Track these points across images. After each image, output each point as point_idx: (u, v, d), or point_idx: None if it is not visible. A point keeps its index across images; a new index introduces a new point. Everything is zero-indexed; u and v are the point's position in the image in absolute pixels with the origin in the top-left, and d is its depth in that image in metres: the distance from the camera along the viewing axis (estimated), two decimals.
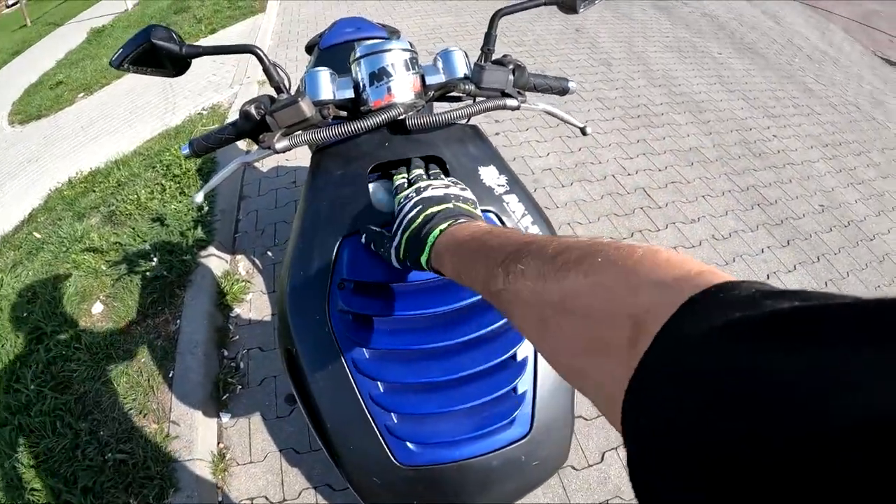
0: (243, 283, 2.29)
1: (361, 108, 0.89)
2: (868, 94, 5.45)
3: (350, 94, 0.90)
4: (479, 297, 0.74)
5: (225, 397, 1.87)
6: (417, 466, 0.70)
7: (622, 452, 1.73)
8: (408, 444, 0.70)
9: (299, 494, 1.63)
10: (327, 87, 0.90)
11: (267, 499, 1.62)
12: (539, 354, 0.74)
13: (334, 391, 0.72)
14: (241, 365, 1.98)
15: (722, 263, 2.56)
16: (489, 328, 0.74)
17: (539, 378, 0.75)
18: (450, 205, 0.64)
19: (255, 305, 2.22)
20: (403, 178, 0.78)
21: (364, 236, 0.74)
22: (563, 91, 1.04)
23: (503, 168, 0.87)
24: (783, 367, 0.19)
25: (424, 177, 0.76)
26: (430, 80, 0.92)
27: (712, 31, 5.94)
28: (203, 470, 1.64)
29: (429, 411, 0.71)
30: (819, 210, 3.15)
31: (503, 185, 0.84)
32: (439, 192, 0.67)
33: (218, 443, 1.76)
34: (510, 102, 0.90)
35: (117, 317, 2.07)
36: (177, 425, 1.73)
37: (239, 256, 2.48)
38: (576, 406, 0.79)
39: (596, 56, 4.78)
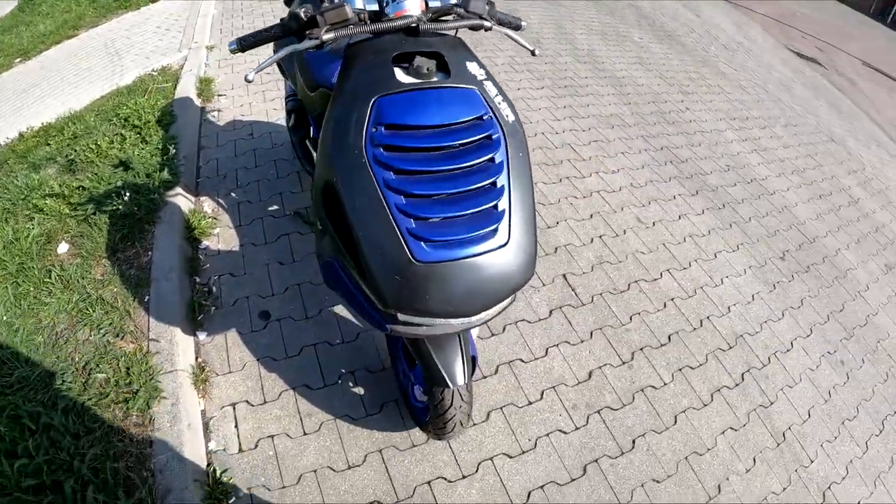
0: (210, 220, 2.42)
1: (383, 18, 1.22)
2: (777, 80, 6.10)
3: (375, 6, 1.25)
4: (476, 114, 1.10)
5: (200, 317, 2.00)
6: (429, 262, 0.98)
7: (563, 348, 2.03)
8: (422, 243, 0.98)
9: (279, 396, 1.79)
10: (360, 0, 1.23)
11: (248, 402, 1.76)
12: (511, 181, 1.07)
13: (367, 206, 1.01)
14: (214, 289, 2.12)
15: (639, 206, 2.93)
16: (481, 159, 1.07)
17: (512, 204, 1.06)
18: None
19: (223, 238, 2.37)
20: None
21: None
22: (518, 27, 1.43)
23: (482, 65, 1.21)
24: None
25: None
26: (431, 4, 1.28)
27: (635, 20, 6.44)
28: (184, 380, 1.76)
29: (439, 199, 1.02)
30: (725, 168, 3.61)
31: (483, 76, 1.18)
32: None
33: (196, 357, 1.88)
34: (486, 24, 1.28)
35: (86, 252, 2.14)
36: (156, 342, 1.84)
37: (203, 198, 2.60)
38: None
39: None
